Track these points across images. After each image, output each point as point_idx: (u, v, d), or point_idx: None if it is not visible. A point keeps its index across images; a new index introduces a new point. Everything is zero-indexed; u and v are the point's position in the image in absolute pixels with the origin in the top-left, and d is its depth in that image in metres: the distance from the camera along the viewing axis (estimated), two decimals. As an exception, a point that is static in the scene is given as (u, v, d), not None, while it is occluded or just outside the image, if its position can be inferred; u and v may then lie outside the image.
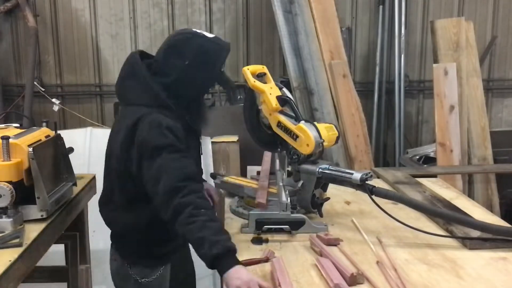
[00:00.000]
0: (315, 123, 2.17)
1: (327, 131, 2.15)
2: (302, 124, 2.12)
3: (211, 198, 2.28)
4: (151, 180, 1.85)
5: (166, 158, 1.83)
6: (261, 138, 2.45)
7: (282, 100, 2.23)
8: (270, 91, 2.23)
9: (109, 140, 2.12)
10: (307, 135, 2.08)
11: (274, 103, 2.20)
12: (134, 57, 2.05)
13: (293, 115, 2.20)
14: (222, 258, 1.66)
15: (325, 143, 2.11)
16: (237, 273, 1.62)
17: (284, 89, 2.31)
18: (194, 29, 2.08)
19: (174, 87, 1.99)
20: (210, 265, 1.68)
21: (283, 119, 2.19)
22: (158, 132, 1.86)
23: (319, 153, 2.15)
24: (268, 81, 2.30)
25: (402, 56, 5.20)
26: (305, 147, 2.09)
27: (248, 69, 2.30)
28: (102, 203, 2.16)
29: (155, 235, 2.04)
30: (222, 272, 1.65)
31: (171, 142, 1.86)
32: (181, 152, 1.87)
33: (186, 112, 2.04)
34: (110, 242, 2.20)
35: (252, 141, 2.51)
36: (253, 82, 2.26)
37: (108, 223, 2.17)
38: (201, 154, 2.24)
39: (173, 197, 1.77)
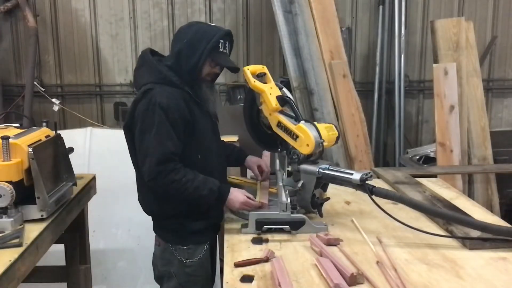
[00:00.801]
0: (315, 123, 2.17)
1: (327, 131, 2.15)
2: (302, 124, 2.12)
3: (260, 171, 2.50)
4: (140, 157, 2.17)
5: (153, 138, 2.10)
6: (261, 138, 2.45)
7: (282, 100, 2.23)
8: (270, 91, 2.23)
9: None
10: (307, 135, 2.08)
11: (274, 103, 2.20)
12: (144, 51, 2.34)
13: (293, 115, 2.20)
14: (218, 196, 2.17)
15: (325, 143, 2.11)
16: (231, 201, 2.19)
17: (284, 89, 2.31)
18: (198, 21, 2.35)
19: (177, 65, 2.22)
20: (216, 205, 2.22)
21: (283, 119, 2.19)
22: (153, 111, 2.11)
23: (319, 153, 2.16)
24: (268, 81, 2.31)
25: (402, 56, 5.20)
26: (305, 147, 2.10)
27: (248, 69, 2.30)
28: (138, 192, 2.37)
29: (188, 209, 2.24)
30: (223, 202, 2.19)
31: (160, 123, 2.10)
32: (166, 133, 2.11)
33: (190, 88, 2.23)
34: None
35: (252, 141, 2.52)
36: (253, 82, 2.26)
37: (146, 209, 2.35)
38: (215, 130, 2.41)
39: (156, 179, 2.11)
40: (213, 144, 2.35)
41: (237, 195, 2.19)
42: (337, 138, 2.22)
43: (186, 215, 2.25)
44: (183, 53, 2.20)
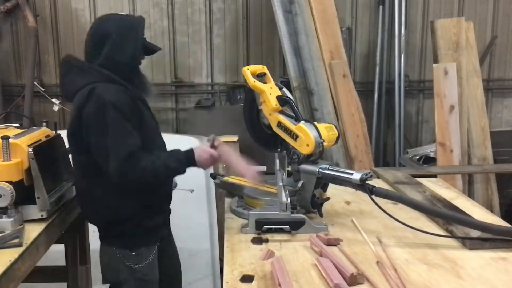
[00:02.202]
0: (315, 123, 2.17)
1: (327, 131, 2.15)
2: (302, 124, 2.12)
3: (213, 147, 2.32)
4: (101, 158, 2.09)
5: (111, 139, 2.05)
6: (261, 138, 2.45)
7: (282, 100, 2.23)
8: (270, 91, 2.23)
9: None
10: (307, 135, 2.08)
11: (274, 103, 2.20)
12: (65, 58, 2.32)
13: (293, 115, 2.20)
14: (187, 161, 2.14)
15: (325, 143, 2.11)
16: (200, 159, 2.16)
17: (284, 89, 2.31)
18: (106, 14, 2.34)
19: (108, 63, 2.16)
20: (186, 167, 2.16)
21: (283, 119, 2.19)
22: (104, 111, 2.05)
23: (319, 153, 2.16)
24: (268, 81, 2.31)
25: (402, 56, 5.20)
26: (305, 147, 2.10)
27: (248, 69, 2.30)
28: (81, 205, 2.33)
29: (142, 207, 2.21)
30: (194, 162, 2.15)
31: (116, 121, 2.06)
32: (122, 129, 2.07)
33: (129, 84, 2.19)
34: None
35: (252, 141, 2.52)
36: (253, 82, 2.26)
37: (95, 219, 2.31)
38: (157, 122, 2.40)
39: (125, 178, 2.07)
40: (157, 137, 2.34)
41: (202, 151, 2.17)
42: (337, 138, 2.22)
43: (139, 214, 2.21)
44: (115, 50, 2.16)
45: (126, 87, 2.16)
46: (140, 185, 2.16)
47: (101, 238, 2.31)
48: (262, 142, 2.47)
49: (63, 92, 2.35)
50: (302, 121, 2.14)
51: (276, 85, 2.31)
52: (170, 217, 2.50)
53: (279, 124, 2.20)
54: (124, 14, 2.34)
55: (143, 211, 2.23)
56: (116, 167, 2.05)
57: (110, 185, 2.12)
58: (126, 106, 2.10)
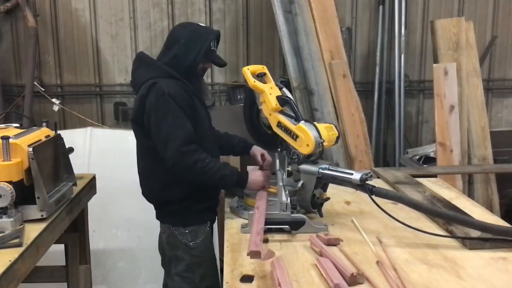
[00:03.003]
0: (315, 123, 2.17)
1: (327, 131, 2.15)
2: (302, 124, 2.12)
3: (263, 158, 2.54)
4: (160, 144, 2.27)
5: (171, 125, 2.25)
6: (261, 138, 2.45)
7: (282, 100, 2.23)
8: (270, 91, 2.24)
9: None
10: (307, 135, 2.08)
11: (274, 103, 2.20)
12: (139, 54, 2.55)
13: (293, 115, 2.20)
14: (241, 179, 2.31)
15: (325, 143, 2.11)
16: (251, 183, 2.32)
17: (284, 89, 2.31)
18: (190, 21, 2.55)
19: (174, 63, 2.38)
20: (234, 187, 2.37)
21: (283, 119, 2.19)
22: (163, 99, 2.26)
23: (319, 153, 2.16)
24: (268, 81, 2.31)
25: (402, 56, 5.20)
26: (305, 147, 2.10)
27: (248, 69, 2.31)
28: (141, 184, 2.50)
29: (192, 192, 2.38)
30: (244, 186, 2.33)
31: (174, 109, 2.26)
32: (182, 117, 2.27)
33: (188, 82, 2.40)
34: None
35: (252, 141, 2.52)
36: (253, 82, 2.26)
37: (152, 199, 2.50)
38: (210, 119, 2.57)
39: (181, 160, 2.23)
40: (209, 133, 2.49)
41: (256, 176, 2.34)
42: (337, 138, 2.22)
43: (190, 197, 2.39)
44: (181, 53, 2.38)
45: (185, 83, 2.37)
46: (190, 174, 2.27)
47: (157, 216, 2.52)
48: (262, 142, 2.47)
49: (132, 85, 2.60)
50: (302, 121, 2.14)
51: (276, 85, 2.31)
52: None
53: (279, 124, 2.20)
54: (202, 25, 2.62)
55: (193, 195, 2.40)
56: (175, 150, 2.22)
57: (166, 168, 2.30)
58: (183, 100, 2.30)
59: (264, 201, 2.19)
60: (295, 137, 2.13)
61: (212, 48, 2.42)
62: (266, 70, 2.34)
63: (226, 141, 2.70)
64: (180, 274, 2.47)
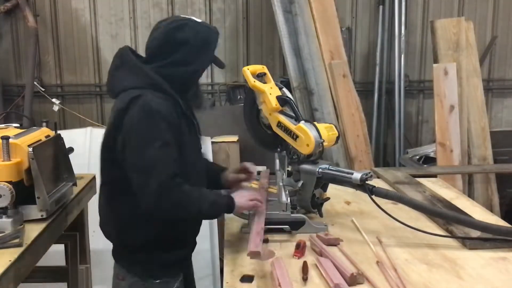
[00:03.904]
0: (315, 123, 2.17)
1: (327, 131, 2.15)
2: (302, 124, 2.12)
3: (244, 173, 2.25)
4: (139, 171, 1.80)
5: (156, 151, 1.78)
6: (261, 138, 2.45)
7: (282, 100, 2.23)
8: (270, 91, 2.23)
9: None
10: (307, 135, 2.08)
11: (274, 103, 2.20)
12: (122, 49, 2.07)
13: (293, 115, 2.20)
14: (229, 203, 1.92)
15: (325, 143, 2.11)
16: (239, 204, 1.94)
17: (284, 89, 2.31)
18: (182, 16, 2.09)
19: (167, 71, 1.91)
20: (228, 211, 1.97)
21: (283, 119, 2.19)
22: (149, 120, 1.80)
23: (319, 153, 2.16)
24: (268, 81, 2.30)
25: (402, 56, 5.20)
26: (305, 147, 2.09)
27: (248, 69, 2.30)
28: (101, 216, 2.06)
29: (161, 238, 1.95)
30: (232, 210, 1.94)
31: (161, 133, 1.80)
32: (169, 145, 1.81)
33: (180, 96, 1.93)
34: (110, 242, 2.11)
35: (252, 141, 2.52)
36: (253, 82, 2.26)
37: (111, 236, 2.08)
38: (200, 135, 2.13)
39: (166, 197, 1.78)
40: (197, 159, 2.07)
41: (240, 194, 2.00)
42: (337, 138, 2.22)
43: (158, 245, 1.95)
44: (183, 60, 1.93)
45: (175, 99, 1.91)
46: (174, 211, 1.85)
47: (117, 259, 2.11)
48: (262, 142, 2.47)
49: (107, 88, 2.11)
50: (302, 121, 2.14)
51: (276, 85, 2.30)
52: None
53: (279, 124, 2.20)
54: (199, 21, 2.01)
55: (158, 244, 1.95)
56: (161, 182, 1.76)
57: (128, 205, 1.89)
58: (174, 119, 1.86)
59: (264, 201, 2.19)
60: (295, 137, 2.13)
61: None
62: (266, 70, 2.34)
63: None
64: None
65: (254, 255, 1.72)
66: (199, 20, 2.01)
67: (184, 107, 1.94)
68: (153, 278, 1.99)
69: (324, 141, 2.10)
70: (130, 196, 1.84)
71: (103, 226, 2.07)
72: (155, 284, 1.98)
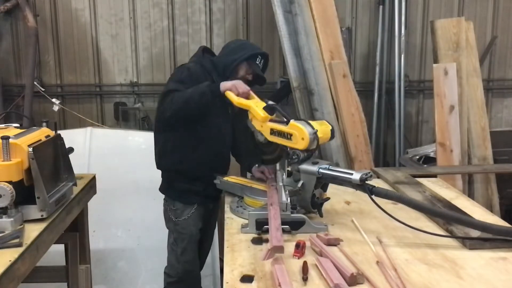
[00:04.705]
0: (306, 120, 2.20)
1: (319, 125, 2.19)
2: (293, 121, 2.15)
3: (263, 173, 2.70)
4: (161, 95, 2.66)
5: (174, 82, 2.63)
6: (265, 157, 2.48)
7: (269, 109, 2.30)
8: (256, 105, 2.32)
9: None
10: (300, 130, 2.10)
11: (262, 113, 2.27)
12: (199, 48, 2.95)
13: (283, 119, 2.22)
14: (214, 85, 2.53)
15: (319, 134, 2.12)
16: (226, 82, 2.52)
17: (269, 101, 2.37)
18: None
19: (218, 59, 2.82)
20: (210, 92, 2.50)
21: (275, 125, 2.24)
22: (181, 69, 2.75)
23: (317, 147, 2.16)
24: (251, 98, 2.43)
25: (402, 56, 5.20)
26: (301, 142, 2.11)
27: (230, 91, 2.45)
28: (155, 155, 2.85)
29: (182, 168, 2.75)
30: (218, 87, 2.49)
31: (184, 78, 2.64)
32: (186, 84, 2.58)
33: (217, 78, 2.69)
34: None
35: (264, 165, 2.63)
36: (237, 100, 2.39)
37: (158, 164, 2.84)
38: (229, 117, 2.84)
39: (165, 98, 2.58)
40: (220, 132, 2.77)
41: (227, 82, 2.53)
42: (332, 131, 2.23)
43: (177, 173, 2.76)
44: (227, 53, 2.78)
45: (210, 75, 2.71)
46: (175, 106, 2.52)
47: (160, 189, 2.90)
48: (268, 160, 2.49)
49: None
50: (292, 120, 2.16)
51: (261, 99, 2.41)
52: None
53: (272, 131, 2.24)
54: (250, 43, 3.26)
55: (178, 170, 2.76)
56: (166, 89, 2.62)
57: (173, 140, 2.73)
58: (200, 76, 2.66)
59: (276, 198, 2.20)
60: (289, 136, 2.15)
61: (257, 62, 2.76)
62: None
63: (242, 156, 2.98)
64: (170, 245, 2.89)
65: (278, 249, 1.74)
66: (251, 43, 3.26)
67: (215, 79, 2.67)
68: (172, 205, 2.81)
69: (317, 131, 2.11)
70: (164, 132, 2.75)
71: (156, 157, 2.85)
72: (173, 210, 2.81)
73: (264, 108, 2.29)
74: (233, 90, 2.45)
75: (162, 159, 2.82)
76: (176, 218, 2.81)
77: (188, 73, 2.66)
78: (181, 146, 2.73)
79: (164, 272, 2.96)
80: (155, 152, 2.84)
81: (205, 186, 2.80)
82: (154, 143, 2.85)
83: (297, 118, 2.20)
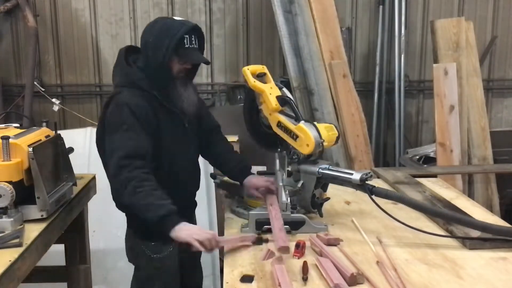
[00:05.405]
0: (315, 123, 2.17)
1: (327, 131, 2.15)
2: (302, 124, 2.12)
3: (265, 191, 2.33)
4: (108, 155, 2.11)
5: (121, 136, 2.07)
6: (261, 138, 2.45)
7: (282, 100, 2.23)
8: (270, 91, 2.23)
9: None
10: (307, 135, 2.08)
11: (274, 103, 2.20)
12: (120, 50, 2.30)
13: (293, 115, 2.20)
14: (168, 218, 1.95)
15: (325, 143, 2.11)
16: (185, 226, 1.96)
17: (284, 89, 2.31)
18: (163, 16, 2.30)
19: (146, 66, 2.20)
20: (159, 226, 1.96)
21: (283, 119, 2.19)
22: (120, 111, 2.11)
23: (319, 153, 2.16)
24: (268, 81, 2.30)
25: (402, 56, 5.20)
26: (305, 147, 2.10)
27: (248, 69, 2.30)
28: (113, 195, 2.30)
29: None
30: (169, 229, 1.94)
31: (129, 120, 2.09)
32: (137, 131, 2.09)
33: (158, 91, 2.19)
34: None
35: (252, 141, 2.52)
36: (253, 82, 2.26)
37: (119, 205, 2.33)
38: (186, 130, 2.31)
39: (119, 173, 2.03)
40: (182, 149, 2.28)
41: (190, 228, 1.98)
42: (337, 138, 2.22)
43: None
44: (149, 53, 2.16)
45: (151, 94, 2.17)
46: (119, 193, 2.10)
47: (128, 224, 2.38)
48: (262, 142, 2.47)
49: (113, 81, 2.34)
50: (302, 121, 2.14)
51: (276, 85, 2.30)
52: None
53: (279, 124, 2.20)
54: (178, 19, 2.24)
55: None
56: (116, 161, 2.04)
57: None
58: (143, 112, 2.12)
59: (275, 200, 2.19)
60: (295, 137, 2.13)
61: (187, 45, 2.14)
62: (266, 70, 2.34)
63: (223, 161, 2.49)
64: (136, 285, 2.38)
65: (284, 250, 1.74)
66: (176, 18, 2.24)
67: (161, 98, 2.19)
68: (149, 240, 2.26)
69: (324, 141, 2.10)
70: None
71: (113, 198, 2.31)
72: (151, 245, 2.26)
73: (277, 98, 2.21)
74: (196, 244, 1.92)
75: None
76: (154, 254, 2.26)
77: (131, 117, 2.09)
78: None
79: None
80: (111, 188, 2.23)
81: (182, 213, 2.12)
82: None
83: (306, 120, 2.17)
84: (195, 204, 2.52)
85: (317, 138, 2.09)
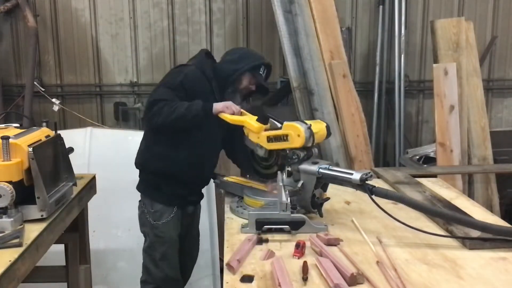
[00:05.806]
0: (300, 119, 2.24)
1: (313, 123, 2.24)
2: (286, 122, 2.21)
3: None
4: (148, 98, 2.64)
5: (164, 89, 2.57)
6: (268, 172, 2.51)
7: (262, 118, 2.34)
8: (249, 118, 2.38)
9: None
10: (294, 127, 2.16)
11: (256, 124, 2.32)
12: (201, 50, 2.86)
13: (277, 124, 2.26)
14: (206, 104, 2.47)
15: (313, 129, 2.15)
16: (217, 102, 2.49)
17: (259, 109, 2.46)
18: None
19: (220, 66, 2.72)
20: (204, 112, 2.45)
21: (270, 132, 2.28)
22: (177, 75, 2.63)
23: (313, 142, 2.18)
24: (243, 114, 2.47)
25: (402, 56, 5.20)
26: (297, 139, 2.15)
27: (226, 117, 2.47)
28: (137, 155, 2.78)
29: (167, 171, 2.66)
30: (211, 108, 2.45)
31: (177, 85, 2.56)
32: (175, 95, 2.53)
33: (217, 86, 2.67)
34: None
35: (261, 178, 2.61)
36: (231, 118, 2.43)
37: (136, 162, 2.77)
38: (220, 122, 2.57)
39: (151, 108, 2.51)
40: (211, 136, 2.67)
41: (219, 102, 2.50)
42: (327, 127, 2.26)
43: (164, 175, 2.66)
44: (230, 61, 2.69)
45: (210, 82, 2.65)
46: (160, 118, 2.48)
47: (137, 187, 2.79)
48: (272, 174, 2.50)
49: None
50: (285, 122, 2.22)
51: (252, 107, 2.64)
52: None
53: (269, 139, 2.26)
54: (254, 52, 3.03)
55: (164, 174, 2.67)
56: (150, 100, 2.55)
57: (164, 143, 2.63)
58: (192, 86, 2.57)
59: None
60: (286, 138, 2.18)
61: (260, 72, 2.68)
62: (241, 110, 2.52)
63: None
64: (145, 251, 2.81)
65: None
66: (254, 51, 3.05)
67: (214, 89, 2.65)
68: (151, 208, 2.71)
69: (310, 125, 2.17)
70: (155, 135, 2.66)
71: (136, 159, 2.78)
72: (152, 212, 2.71)
73: (258, 120, 2.35)
74: (226, 111, 2.44)
75: (148, 161, 2.72)
76: (154, 221, 2.71)
77: (184, 79, 2.57)
78: (173, 149, 2.63)
79: (141, 282, 2.87)
80: (139, 150, 2.77)
81: (190, 191, 2.79)
82: (141, 142, 2.77)
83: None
84: (201, 195, 2.92)
85: (304, 126, 2.16)
